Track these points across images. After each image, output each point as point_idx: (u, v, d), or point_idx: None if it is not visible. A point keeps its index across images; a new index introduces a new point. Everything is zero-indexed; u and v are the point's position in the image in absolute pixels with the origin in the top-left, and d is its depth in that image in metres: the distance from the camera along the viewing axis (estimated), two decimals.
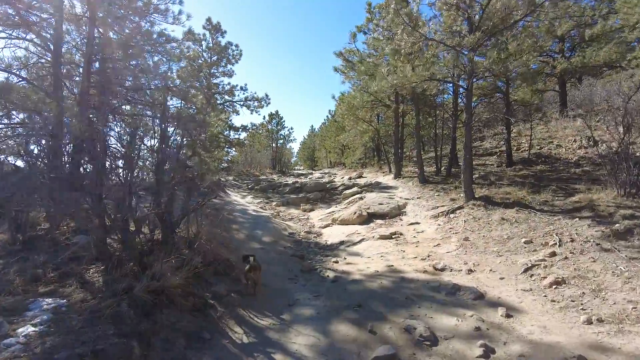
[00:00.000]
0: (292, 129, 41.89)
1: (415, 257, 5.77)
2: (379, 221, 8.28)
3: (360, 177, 16.57)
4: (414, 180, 11.37)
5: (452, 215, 7.58)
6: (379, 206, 8.82)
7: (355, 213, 8.44)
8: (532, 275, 4.54)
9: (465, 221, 7.08)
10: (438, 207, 8.50)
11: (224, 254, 4.69)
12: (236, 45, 21.71)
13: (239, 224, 7.91)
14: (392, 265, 5.38)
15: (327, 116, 34.85)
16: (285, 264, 5.80)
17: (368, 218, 8.46)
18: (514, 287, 4.34)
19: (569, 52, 16.24)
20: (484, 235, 6.30)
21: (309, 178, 24.72)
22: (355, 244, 6.91)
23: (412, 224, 7.80)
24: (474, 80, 8.02)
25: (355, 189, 11.07)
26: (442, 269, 5.06)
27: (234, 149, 27.91)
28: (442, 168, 12.18)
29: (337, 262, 5.86)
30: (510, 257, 5.26)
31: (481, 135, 20.32)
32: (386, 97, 12.28)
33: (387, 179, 12.82)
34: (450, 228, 7.01)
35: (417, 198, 9.56)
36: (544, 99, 14.90)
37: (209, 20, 21.38)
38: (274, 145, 36.19)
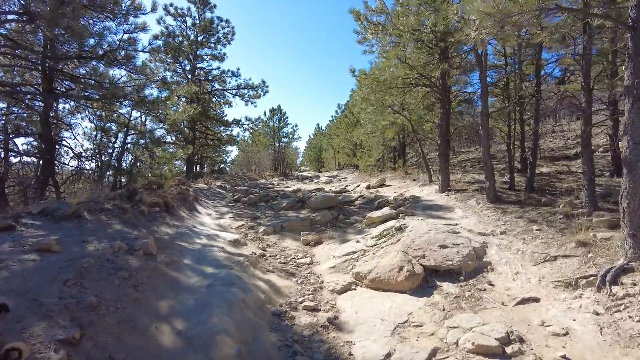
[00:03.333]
0: (296, 126, 38.09)
1: None
2: (446, 287, 4.31)
3: (382, 185, 12.61)
4: (476, 197, 7.37)
5: (615, 290, 3.58)
6: (440, 251, 4.86)
7: (400, 269, 4.48)
8: None
9: None
10: (556, 257, 4.50)
11: None
12: (227, 22, 17.80)
13: (181, 292, 4.02)
14: None
15: (336, 111, 30.90)
16: None
17: (424, 278, 4.50)
18: None
19: None
20: None
21: (315, 182, 20.83)
22: None
23: (524, 300, 3.82)
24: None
25: (386, 210, 7.09)
26: None
27: (233, 147, 24.07)
28: (513, 178, 8.15)
29: None
30: None
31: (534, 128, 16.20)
32: (427, 69, 8.30)
33: (429, 193, 8.82)
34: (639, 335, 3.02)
35: (501, 233, 5.56)
36: None
37: None
38: (276, 144, 32.33)
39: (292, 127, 33.24)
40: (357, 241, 6.23)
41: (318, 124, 61.67)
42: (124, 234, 5.19)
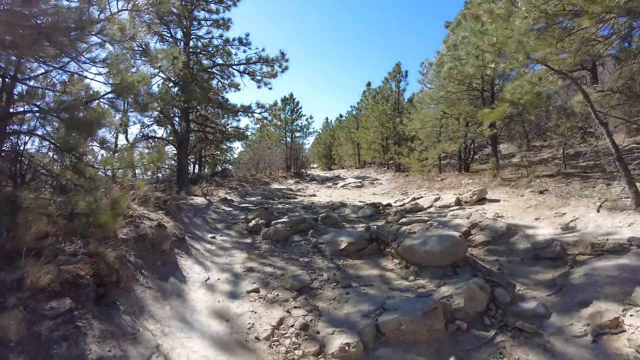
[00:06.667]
0: (311, 118, 33.44)
1: None
2: None
3: (482, 199, 8.02)
4: None
5: None
6: None
7: None
8: None
9: None
10: None
11: None
12: None
13: None
14: None
15: (364, 92, 26.13)
16: None
17: None
18: None
19: None
20: None
21: (342, 186, 16.29)
22: None
23: None
24: None
25: None
26: None
27: (239, 143, 19.44)
28: None
29: None
30: None
31: None
32: None
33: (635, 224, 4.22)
34: None
35: None
36: None
37: None
38: (288, 139, 27.74)
39: (306, 120, 28.56)
40: None
41: (327, 118, 57.01)
42: None
